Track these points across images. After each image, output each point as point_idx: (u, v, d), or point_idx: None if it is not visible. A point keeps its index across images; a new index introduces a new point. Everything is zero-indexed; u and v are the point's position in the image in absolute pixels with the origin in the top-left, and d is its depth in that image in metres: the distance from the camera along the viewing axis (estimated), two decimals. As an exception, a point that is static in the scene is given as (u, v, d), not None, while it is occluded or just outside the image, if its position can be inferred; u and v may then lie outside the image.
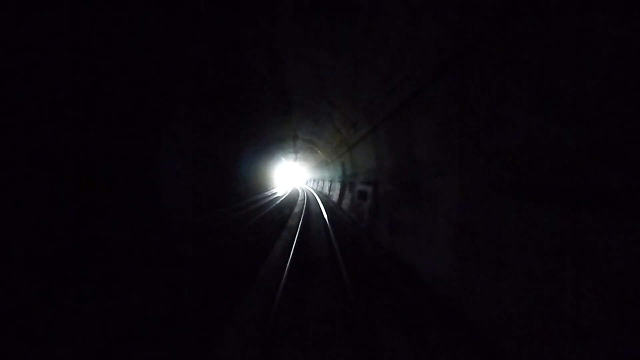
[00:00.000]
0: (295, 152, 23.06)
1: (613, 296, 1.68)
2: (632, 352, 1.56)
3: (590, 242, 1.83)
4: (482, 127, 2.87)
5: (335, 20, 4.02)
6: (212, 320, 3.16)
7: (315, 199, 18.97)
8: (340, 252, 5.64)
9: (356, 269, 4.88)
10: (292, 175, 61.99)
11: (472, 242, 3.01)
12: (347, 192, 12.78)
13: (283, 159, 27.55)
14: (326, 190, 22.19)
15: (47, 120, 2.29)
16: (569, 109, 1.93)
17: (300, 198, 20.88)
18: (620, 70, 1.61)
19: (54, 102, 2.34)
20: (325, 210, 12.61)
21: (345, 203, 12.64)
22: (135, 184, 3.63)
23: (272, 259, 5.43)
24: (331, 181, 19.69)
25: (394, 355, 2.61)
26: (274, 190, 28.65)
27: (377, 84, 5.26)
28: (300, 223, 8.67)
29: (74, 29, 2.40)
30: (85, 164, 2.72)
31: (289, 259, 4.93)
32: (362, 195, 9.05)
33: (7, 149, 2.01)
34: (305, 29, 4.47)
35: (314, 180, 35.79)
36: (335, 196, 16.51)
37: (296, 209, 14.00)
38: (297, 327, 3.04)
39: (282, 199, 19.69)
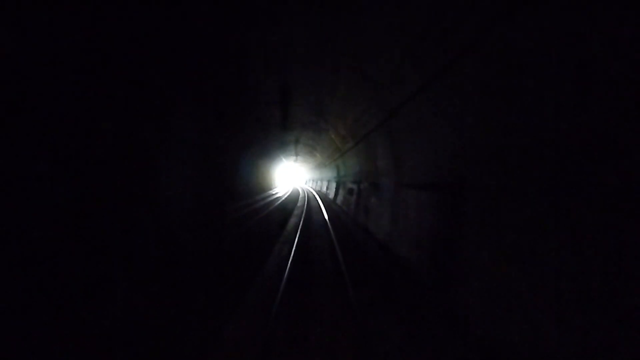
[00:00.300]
0: (296, 154, 25.69)
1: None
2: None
3: (427, 200, 4.62)
4: (398, 156, 5.68)
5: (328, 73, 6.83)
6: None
7: (315, 198, 21.74)
8: (332, 229, 8.43)
9: (341, 236, 7.68)
10: (292, 176, 63.55)
11: (394, 212, 5.82)
12: (340, 190, 15.58)
13: (284, 158, 29.91)
14: (324, 189, 24.98)
15: (47, 120, 2.28)
16: (411, 169, 4.73)
17: (301, 196, 23.62)
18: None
19: (55, 102, 2.35)
20: (324, 205, 15.42)
21: (339, 199, 15.45)
22: (136, 185, 3.63)
23: (285, 234, 8.23)
24: (328, 181, 22.48)
25: (351, 258, 5.38)
26: (275, 190, 29.60)
27: (356, 116, 8.05)
28: (303, 215, 11.45)
29: (76, 28, 2.42)
30: (85, 164, 2.72)
31: (298, 234, 7.72)
32: (350, 191, 11.86)
33: (8, 149, 2.00)
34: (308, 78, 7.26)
35: (313, 180, 38.30)
36: (331, 194, 19.31)
37: (299, 203, 16.79)
38: (306, 253, 5.83)
39: (284, 198, 22.31)
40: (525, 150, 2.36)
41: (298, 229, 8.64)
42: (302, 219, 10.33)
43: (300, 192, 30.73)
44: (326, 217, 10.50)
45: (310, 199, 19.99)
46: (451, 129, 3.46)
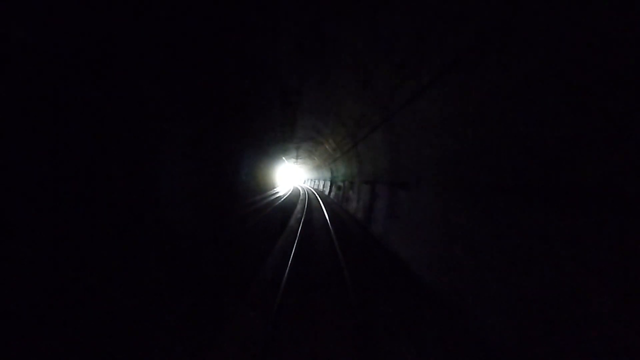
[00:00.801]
0: (297, 156, 30.20)
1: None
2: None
3: (368, 188, 9.26)
4: (360, 166, 10.34)
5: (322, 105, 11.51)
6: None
7: (314, 195, 26.36)
8: (326, 212, 13.09)
9: (332, 215, 12.33)
10: (292, 176, 67.19)
11: (358, 197, 10.46)
12: (333, 187, 20.26)
13: (285, 159, 33.82)
14: (321, 188, 29.65)
15: (44, 121, 2.24)
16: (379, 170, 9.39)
17: (302, 193, 28.21)
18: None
19: (53, 102, 2.31)
20: (320, 199, 20.10)
21: (332, 194, 20.13)
22: (136, 186, 3.58)
23: (295, 215, 12.88)
24: (324, 180, 27.16)
25: (334, 221, 9.98)
26: (277, 189, 30.94)
27: (340, 138, 12.68)
28: (305, 206, 16.09)
29: (78, 29, 2.41)
30: (83, 166, 2.66)
31: (303, 215, 12.36)
32: (339, 188, 16.55)
33: (6, 149, 1.96)
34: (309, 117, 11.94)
35: (311, 180, 42.73)
36: (327, 191, 23.98)
37: (301, 196, 21.43)
38: (309, 222, 10.45)
39: (285, 197, 26.78)
40: (392, 172, 7.03)
41: (303, 213, 13.27)
42: (305, 208, 14.96)
43: (301, 190, 34.94)
44: (322, 206, 15.19)
45: (310, 196, 24.65)
46: (372, 158, 8.12)
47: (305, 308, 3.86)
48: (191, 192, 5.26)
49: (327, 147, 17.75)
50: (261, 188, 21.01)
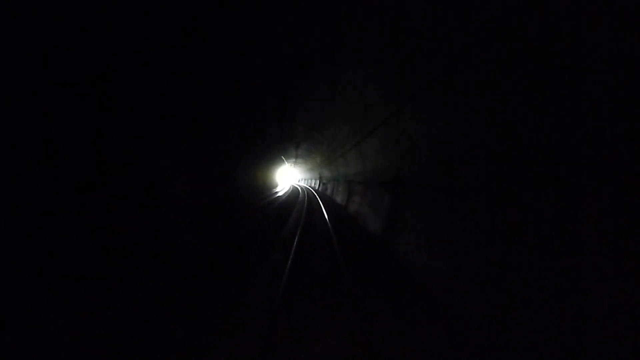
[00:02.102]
0: (295, 163, 42.54)
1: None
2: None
3: (346, 185, 21.66)
4: (337, 173, 22.82)
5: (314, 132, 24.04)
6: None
7: (310, 189, 38.93)
8: (320, 200, 25.46)
9: (324, 202, 24.72)
10: (290, 176, 79.41)
11: (331, 188, 22.88)
12: (320, 184, 32.85)
13: (284, 159, 45.97)
14: (313, 184, 42.25)
15: (42, 121, 2.19)
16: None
17: (301, 190, 40.65)
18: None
19: (52, 101, 2.25)
20: (314, 191, 32.67)
21: (320, 188, 32.69)
22: (137, 188, 3.55)
23: (299, 202, 25.31)
24: (315, 180, 39.76)
25: (323, 198, 22.32)
26: (278, 189, 33.78)
27: (328, 152, 25.06)
28: (306, 195, 28.57)
29: (74, 27, 2.35)
30: (82, 167, 2.62)
31: (305, 201, 24.76)
32: (324, 184, 29.16)
33: (5, 149, 1.95)
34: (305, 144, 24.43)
35: (305, 179, 55.21)
36: (317, 186, 36.58)
37: (301, 191, 33.94)
38: (309, 205, 22.81)
39: (286, 196, 38.96)
40: (335, 177, 19.54)
41: (305, 196, 25.52)
42: (305, 195, 27.29)
43: (299, 189, 47.25)
44: (315, 194, 27.82)
45: (307, 191, 37.09)
46: (335, 170, 20.58)
47: (310, 209, 16.30)
48: (195, 198, 5.05)
49: (316, 159, 30.22)
50: (266, 187, 31.70)
